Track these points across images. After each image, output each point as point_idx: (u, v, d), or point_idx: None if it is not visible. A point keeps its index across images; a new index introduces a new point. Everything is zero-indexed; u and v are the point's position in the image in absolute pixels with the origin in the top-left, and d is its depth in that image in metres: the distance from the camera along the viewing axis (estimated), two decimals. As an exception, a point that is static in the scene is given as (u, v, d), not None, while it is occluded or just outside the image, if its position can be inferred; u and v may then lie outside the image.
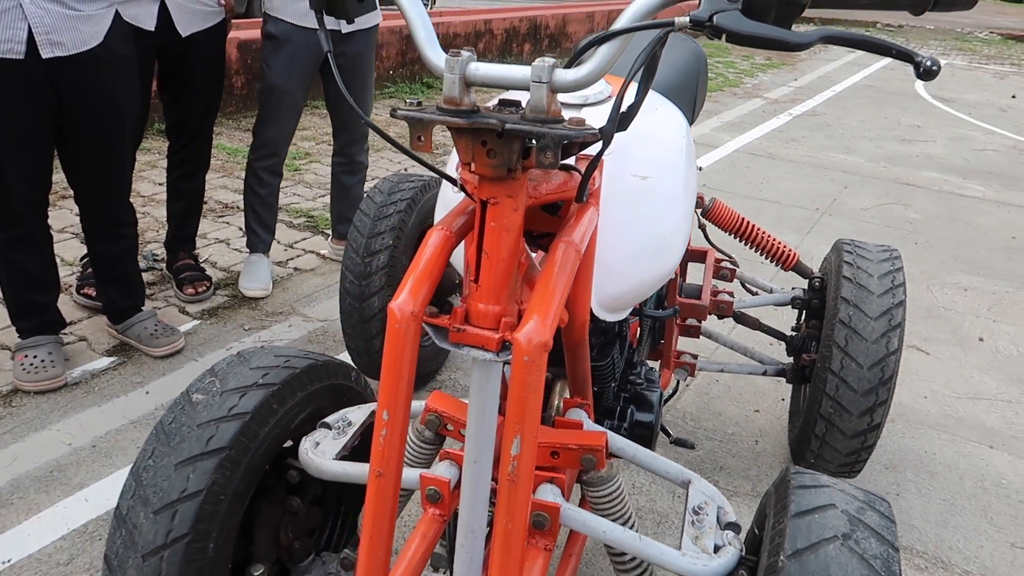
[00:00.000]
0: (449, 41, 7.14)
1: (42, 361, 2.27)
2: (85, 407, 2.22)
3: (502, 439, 0.88)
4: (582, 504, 1.27)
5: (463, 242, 0.99)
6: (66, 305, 2.51)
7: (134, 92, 2.26)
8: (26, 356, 2.28)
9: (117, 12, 2.13)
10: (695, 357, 2.12)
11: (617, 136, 1.21)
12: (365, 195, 2.24)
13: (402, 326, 0.88)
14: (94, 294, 2.67)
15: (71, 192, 2.30)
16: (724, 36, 0.76)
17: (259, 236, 2.95)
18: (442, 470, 1.11)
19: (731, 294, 2.20)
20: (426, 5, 11.06)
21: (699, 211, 2.24)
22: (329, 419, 1.31)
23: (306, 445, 1.27)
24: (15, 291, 2.26)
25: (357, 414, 1.32)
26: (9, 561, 1.70)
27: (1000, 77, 10.57)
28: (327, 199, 3.94)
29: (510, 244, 0.90)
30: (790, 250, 2.26)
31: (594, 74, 0.82)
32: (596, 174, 1.09)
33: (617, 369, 1.49)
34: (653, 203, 1.23)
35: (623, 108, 0.85)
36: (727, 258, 2.34)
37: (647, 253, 1.22)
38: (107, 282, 2.45)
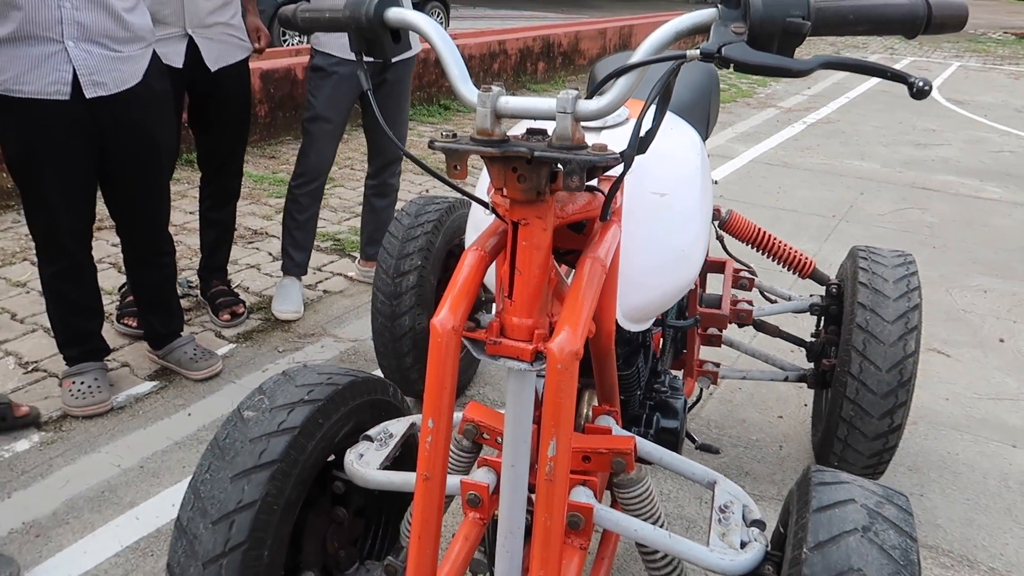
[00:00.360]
0: (464, 62, 7.27)
1: (89, 387, 2.37)
2: (131, 430, 2.31)
3: (538, 445, 0.95)
4: (613, 506, 1.33)
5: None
6: (108, 333, 2.61)
7: (171, 127, 2.37)
8: (73, 382, 2.38)
9: (154, 52, 2.25)
10: (717, 365, 2.17)
11: (637, 157, 1.29)
12: (394, 218, 2.33)
13: (444, 340, 0.95)
14: (134, 324, 2.78)
15: (107, 224, 2.42)
16: (732, 66, 0.84)
17: (294, 260, 3.05)
18: (481, 476, 1.18)
19: (750, 303, 2.25)
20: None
21: (716, 223, 2.30)
22: (371, 432, 1.38)
23: (351, 457, 1.34)
24: (63, 320, 2.37)
25: (397, 426, 1.39)
26: (67, 577, 1.79)
27: (1015, 77, 10.54)
28: (353, 222, 4.05)
29: (541, 261, 0.97)
30: (806, 258, 2.32)
31: (613, 104, 0.89)
32: (618, 194, 1.16)
33: (642, 377, 1.55)
34: (671, 218, 1.30)
35: (641, 133, 0.92)
36: (745, 268, 2.39)
37: (667, 265, 1.29)
38: (148, 309, 2.56)
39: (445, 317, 0.96)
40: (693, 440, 1.84)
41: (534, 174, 0.92)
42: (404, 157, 3.33)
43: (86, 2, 2.01)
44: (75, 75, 2.05)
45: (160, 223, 2.43)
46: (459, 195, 2.57)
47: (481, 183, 1.37)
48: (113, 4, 2.05)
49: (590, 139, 0.92)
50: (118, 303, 2.91)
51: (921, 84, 0.82)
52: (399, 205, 3.44)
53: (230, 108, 2.77)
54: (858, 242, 4.08)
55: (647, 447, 1.32)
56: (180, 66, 2.53)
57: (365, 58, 1.06)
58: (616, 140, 1.28)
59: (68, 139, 2.11)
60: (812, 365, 2.28)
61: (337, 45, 2.79)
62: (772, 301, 2.45)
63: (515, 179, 0.92)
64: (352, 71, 2.82)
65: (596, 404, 1.41)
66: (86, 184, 2.22)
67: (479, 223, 1.39)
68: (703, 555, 1.13)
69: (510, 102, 0.93)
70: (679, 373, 2.15)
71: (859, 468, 1.97)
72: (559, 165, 0.90)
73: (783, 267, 2.34)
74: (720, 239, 2.40)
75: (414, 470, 1.15)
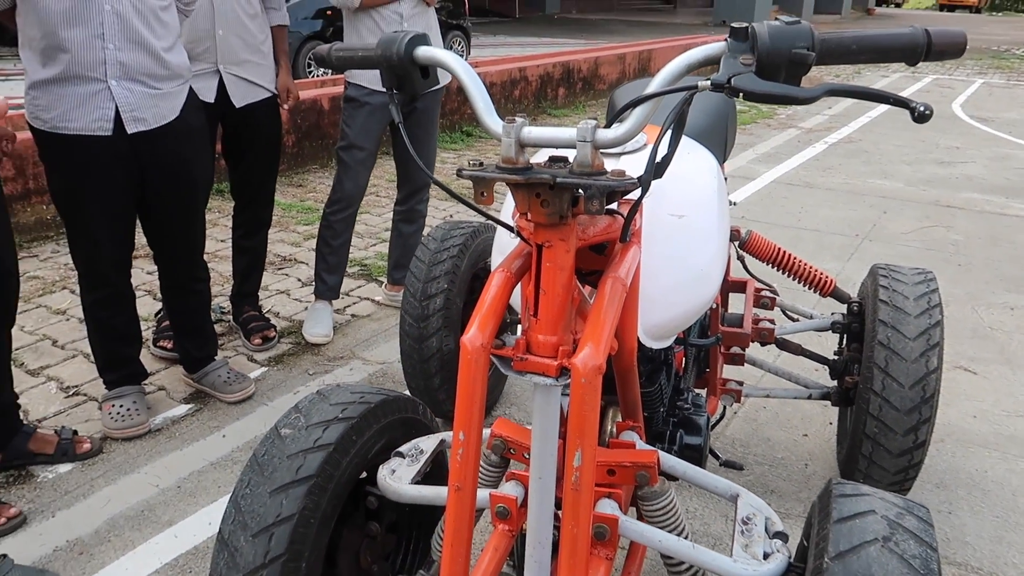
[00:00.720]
0: (488, 95, 7.39)
1: (128, 410, 2.45)
2: (168, 451, 2.39)
3: (563, 458, 0.99)
4: (639, 520, 1.36)
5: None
6: (145, 357, 2.69)
7: (206, 159, 2.47)
8: (113, 405, 2.46)
9: (191, 88, 2.35)
10: (740, 384, 2.20)
11: (654, 181, 1.34)
12: (421, 242, 2.40)
13: (473, 357, 1.00)
14: (169, 346, 2.87)
15: (142, 253, 2.51)
16: (741, 95, 0.89)
17: (327, 284, 3.13)
18: (509, 489, 1.23)
19: (772, 321, 2.28)
20: (462, 56, 11.45)
21: (736, 243, 2.34)
22: (402, 448, 1.43)
23: (383, 472, 1.39)
24: (103, 345, 2.46)
25: (427, 443, 1.44)
26: (110, 593, 1.85)
27: (1040, 94, 10.46)
28: (379, 248, 4.14)
29: (564, 281, 1.02)
30: (827, 276, 2.34)
31: (630, 133, 0.95)
32: (637, 216, 1.21)
33: (665, 395, 1.59)
34: (690, 239, 1.35)
35: (658, 159, 0.98)
36: (767, 287, 2.42)
37: (687, 284, 1.34)
38: (183, 334, 2.65)
39: (474, 335, 1.01)
40: (717, 457, 1.87)
41: (557, 199, 0.97)
42: (431, 184, 3.43)
43: (128, 43, 2.11)
44: (117, 112, 2.15)
45: (196, 251, 2.53)
46: (483, 220, 2.64)
47: (506, 208, 1.43)
48: (153, 44, 2.16)
49: (610, 165, 0.98)
50: (154, 328, 3.00)
51: (922, 109, 0.87)
52: (426, 231, 3.51)
53: (261, 140, 2.88)
54: (882, 261, 4.08)
55: (670, 461, 1.36)
56: (211, 100, 2.64)
57: (395, 92, 1.13)
58: (635, 165, 1.34)
59: (110, 172, 2.21)
60: (835, 383, 2.29)
61: (369, 77, 2.90)
62: (794, 320, 2.48)
63: (539, 204, 0.98)
64: (383, 101, 2.92)
65: (620, 420, 1.45)
66: (127, 215, 2.32)
67: (504, 246, 1.44)
68: (726, 565, 1.16)
69: (533, 132, 0.99)
70: (703, 392, 2.18)
71: (885, 485, 1.98)
72: (580, 190, 0.96)
73: (804, 286, 2.37)
74: (741, 259, 2.44)
75: (444, 485, 1.20)
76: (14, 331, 2.18)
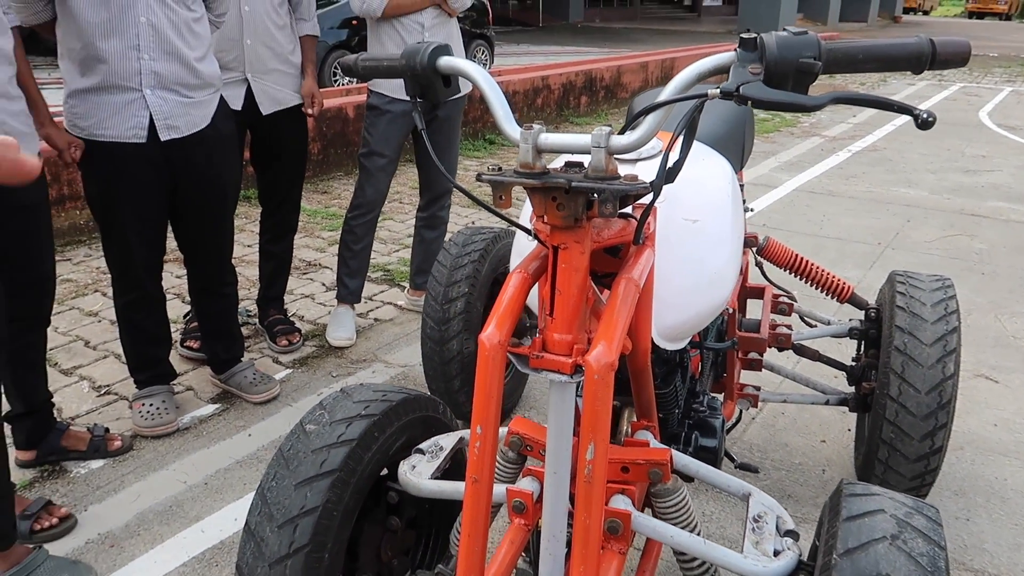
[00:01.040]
0: (508, 99, 7.44)
1: (157, 408, 2.52)
2: (196, 449, 2.45)
3: (577, 454, 1.02)
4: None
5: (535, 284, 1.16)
6: (173, 358, 2.77)
7: (236, 166, 2.54)
8: (143, 404, 2.53)
9: (221, 96, 2.42)
10: (758, 389, 2.22)
11: (669, 186, 1.38)
12: (442, 247, 2.45)
13: (490, 354, 1.05)
14: (196, 346, 2.94)
15: (171, 257, 2.58)
16: (749, 103, 0.92)
17: (348, 288, 3.19)
18: (525, 484, 1.27)
19: (789, 327, 2.30)
20: (485, 65, 11.54)
21: (754, 250, 2.36)
22: (423, 445, 1.48)
23: (404, 468, 1.44)
24: (134, 347, 2.53)
25: (447, 440, 1.48)
26: (140, 585, 1.91)
27: (1070, 102, 10.32)
28: (402, 254, 4.20)
29: (579, 282, 1.06)
30: (844, 283, 2.36)
31: (642, 139, 0.99)
32: (650, 220, 1.25)
33: (680, 396, 1.62)
34: (703, 243, 1.38)
35: (669, 164, 1.01)
36: (785, 293, 2.44)
37: (700, 287, 1.37)
38: (211, 336, 2.71)
39: (492, 333, 1.05)
40: (732, 459, 1.89)
41: (572, 203, 1.01)
42: (453, 191, 3.48)
43: (162, 54, 2.19)
44: (151, 120, 2.23)
45: (224, 255, 2.59)
46: (504, 226, 2.69)
47: (524, 212, 1.48)
48: (185, 54, 2.23)
49: (625, 170, 1.01)
50: (183, 330, 3.08)
51: (926, 116, 0.90)
52: (447, 236, 3.57)
53: (287, 148, 2.95)
54: (903, 269, 4.06)
55: (683, 460, 1.39)
56: (239, 108, 2.71)
57: (419, 100, 1.18)
58: (650, 171, 1.37)
59: (144, 178, 2.28)
60: (853, 389, 2.30)
61: (390, 85, 2.96)
62: (812, 326, 2.49)
63: (555, 207, 1.02)
64: (404, 109, 2.98)
65: (635, 420, 1.48)
66: (158, 220, 2.39)
67: (523, 250, 1.48)
68: (736, 561, 1.18)
69: (549, 138, 1.03)
70: (720, 396, 2.21)
71: (901, 490, 1.98)
72: (594, 194, 1.00)
73: (821, 292, 2.38)
74: (759, 266, 2.46)
75: (463, 480, 1.23)
76: (48, 332, 2.25)
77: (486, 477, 1.07)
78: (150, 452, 2.43)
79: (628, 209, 1.19)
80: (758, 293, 2.41)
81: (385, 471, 1.51)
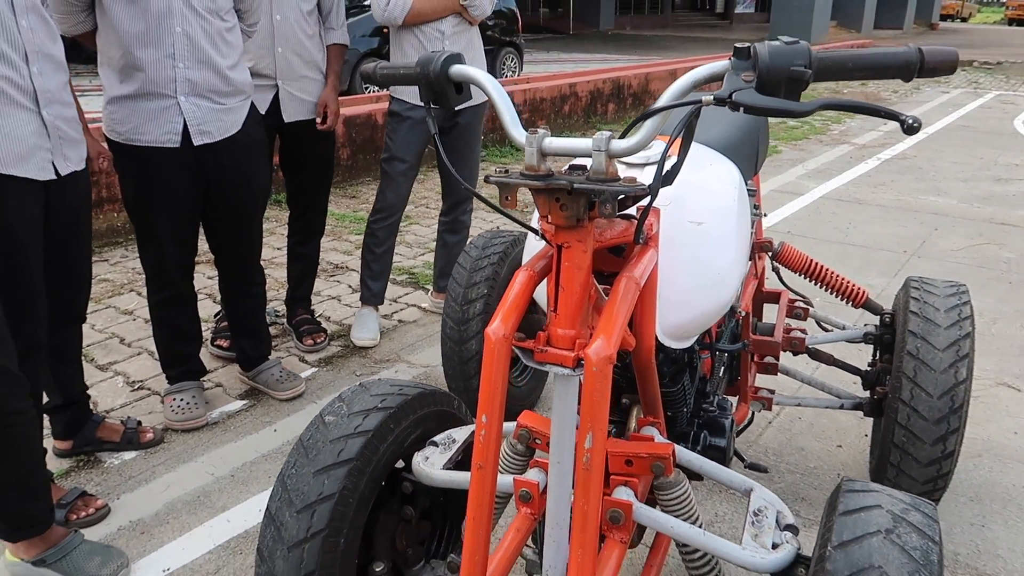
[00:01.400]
0: (536, 105, 7.53)
1: (187, 403, 2.62)
2: (224, 443, 2.54)
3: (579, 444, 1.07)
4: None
5: (545, 281, 1.21)
6: (204, 356, 2.86)
7: (265, 170, 2.63)
8: (174, 399, 2.63)
9: (252, 103, 2.51)
10: (772, 392, 2.24)
11: (675, 188, 1.42)
12: (463, 250, 2.51)
13: (495, 347, 1.10)
14: (226, 345, 3.04)
15: (202, 259, 2.68)
16: (742, 109, 0.97)
17: (371, 290, 3.27)
18: (532, 475, 1.32)
19: (804, 331, 2.32)
20: (514, 72, 11.62)
21: (769, 255, 2.39)
22: (436, 438, 1.53)
23: (418, 459, 1.49)
24: (166, 343, 2.63)
25: (460, 433, 1.54)
26: (168, 570, 1.99)
27: (1110, 109, 10.11)
28: (426, 257, 4.28)
29: (582, 280, 1.11)
30: (859, 288, 2.37)
31: (640, 143, 1.04)
32: (654, 221, 1.30)
33: (688, 395, 1.66)
34: (708, 245, 1.42)
35: (667, 168, 1.06)
36: (801, 298, 2.46)
37: (704, 288, 1.41)
38: (240, 334, 2.81)
39: (497, 327, 1.11)
40: (742, 459, 1.92)
41: (574, 203, 1.06)
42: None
43: (196, 62, 2.28)
44: (185, 125, 2.32)
45: (254, 257, 2.69)
46: (523, 230, 2.74)
47: (535, 214, 1.53)
48: (218, 63, 2.33)
49: (627, 173, 1.06)
50: (213, 328, 3.18)
51: (911, 121, 0.93)
52: (468, 240, 3.63)
53: (313, 154, 3.03)
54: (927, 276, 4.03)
55: (687, 456, 1.43)
56: (263, 112, 2.80)
57: (432, 106, 1.24)
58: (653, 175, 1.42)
59: (178, 182, 2.38)
60: (868, 393, 2.32)
61: (411, 92, 3.04)
62: (827, 330, 2.51)
63: (558, 208, 1.08)
64: (424, 115, 3.05)
65: (642, 417, 1.52)
66: (191, 221, 2.49)
67: (533, 250, 1.54)
68: (735, 552, 1.22)
69: (553, 142, 1.08)
70: (735, 399, 2.24)
71: (914, 494, 2.00)
72: (595, 195, 1.05)
73: (836, 297, 2.40)
74: (776, 271, 2.48)
75: (474, 471, 1.28)
76: (85, 329, 2.36)
77: (491, 464, 1.12)
78: (180, 445, 2.53)
79: (632, 210, 1.24)
80: (774, 298, 2.44)
81: (401, 463, 1.57)
